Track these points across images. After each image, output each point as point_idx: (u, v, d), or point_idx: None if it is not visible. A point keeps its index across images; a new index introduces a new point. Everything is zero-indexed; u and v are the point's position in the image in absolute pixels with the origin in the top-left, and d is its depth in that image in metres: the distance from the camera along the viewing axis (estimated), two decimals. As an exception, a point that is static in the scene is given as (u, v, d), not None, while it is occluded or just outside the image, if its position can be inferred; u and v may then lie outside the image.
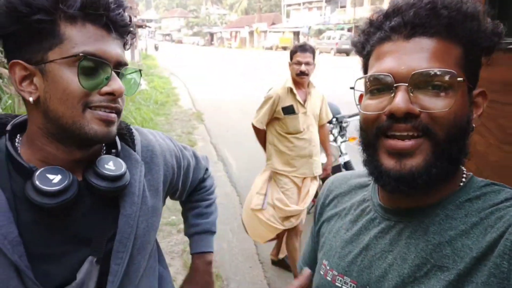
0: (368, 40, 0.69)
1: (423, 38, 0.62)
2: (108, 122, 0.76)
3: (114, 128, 0.78)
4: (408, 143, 0.61)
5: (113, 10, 0.75)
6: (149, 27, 41.25)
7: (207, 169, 1.28)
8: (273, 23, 48.92)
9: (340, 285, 0.72)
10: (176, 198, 1.19)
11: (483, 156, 1.20)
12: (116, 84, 0.75)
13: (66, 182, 0.73)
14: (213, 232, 1.24)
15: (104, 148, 0.89)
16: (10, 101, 4.41)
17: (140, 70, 0.85)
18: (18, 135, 0.81)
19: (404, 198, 0.67)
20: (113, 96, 0.75)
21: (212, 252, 1.22)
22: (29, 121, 0.78)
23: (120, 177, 0.81)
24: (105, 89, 0.74)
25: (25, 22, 0.69)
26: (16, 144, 0.80)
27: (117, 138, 0.88)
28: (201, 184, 1.25)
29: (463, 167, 0.69)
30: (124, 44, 0.81)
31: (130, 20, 0.79)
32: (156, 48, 36.04)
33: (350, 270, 0.71)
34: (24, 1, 0.68)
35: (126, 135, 0.92)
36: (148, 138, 0.98)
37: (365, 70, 0.71)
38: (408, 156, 0.62)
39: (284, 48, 41.47)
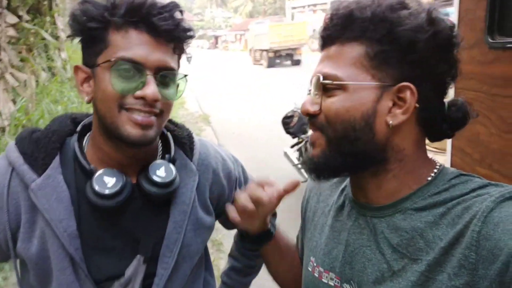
0: None
1: (328, 47, 0.70)
2: (142, 126, 0.77)
3: (151, 132, 0.79)
4: (311, 135, 0.72)
5: (155, 15, 0.75)
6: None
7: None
8: (277, 26, 48.99)
9: (326, 281, 0.74)
10: (224, 222, 1.08)
11: (485, 145, 1.29)
12: (149, 89, 0.75)
13: (119, 186, 0.79)
14: None
15: (161, 151, 0.91)
16: (24, 102, 4.56)
17: (185, 75, 0.84)
18: (88, 133, 0.88)
19: (373, 192, 0.70)
20: (146, 100, 0.76)
21: None
22: (93, 121, 0.85)
23: (169, 184, 0.84)
24: (138, 93, 0.75)
25: (84, 30, 0.78)
26: (84, 143, 0.87)
27: (172, 144, 0.91)
28: None
29: (435, 160, 0.71)
30: (175, 49, 0.81)
31: (178, 25, 0.78)
32: (189, 60, 21.37)
33: (334, 266, 0.73)
34: (82, 11, 0.76)
35: (186, 144, 0.94)
36: (207, 152, 0.98)
37: None
38: (312, 147, 0.71)
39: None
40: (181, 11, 0.80)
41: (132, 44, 0.76)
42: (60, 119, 0.88)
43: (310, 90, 0.71)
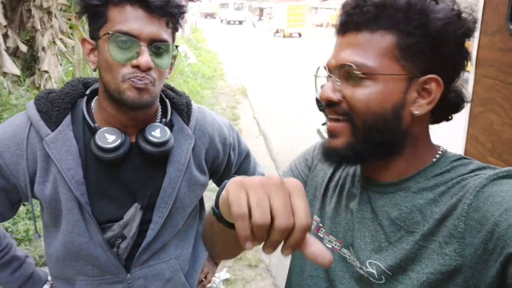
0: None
1: (352, 33, 0.68)
2: (139, 90, 0.87)
3: (146, 96, 0.89)
4: (332, 125, 0.70)
5: None
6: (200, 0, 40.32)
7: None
8: (325, -1, 47.42)
9: (328, 245, 0.79)
10: (217, 181, 1.24)
11: (498, 134, 1.28)
12: (142, 58, 0.85)
13: (118, 142, 0.92)
14: None
15: (160, 116, 1.03)
16: (71, 68, 4.83)
17: (177, 46, 0.94)
18: (96, 96, 1.00)
19: (381, 171, 0.73)
20: (140, 68, 0.86)
21: None
22: (99, 86, 0.97)
23: (163, 143, 0.95)
24: (133, 62, 0.86)
25: (88, 7, 0.89)
26: (92, 105, 1.00)
27: (169, 110, 1.03)
28: None
29: (438, 144, 0.74)
30: (168, 23, 0.90)
31: (169, 1, 0.87)
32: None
33: (337, 231, 0.78)
34: None
35: (184, 110, 1.05)
36: (205, 119, 1.09)
37: None
38: (334, 137, 0.71)
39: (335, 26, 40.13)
40: None
41: (128, 19, 0.86)
42: (73, 83, 1.01)
43: (329, 77, 0.69)
